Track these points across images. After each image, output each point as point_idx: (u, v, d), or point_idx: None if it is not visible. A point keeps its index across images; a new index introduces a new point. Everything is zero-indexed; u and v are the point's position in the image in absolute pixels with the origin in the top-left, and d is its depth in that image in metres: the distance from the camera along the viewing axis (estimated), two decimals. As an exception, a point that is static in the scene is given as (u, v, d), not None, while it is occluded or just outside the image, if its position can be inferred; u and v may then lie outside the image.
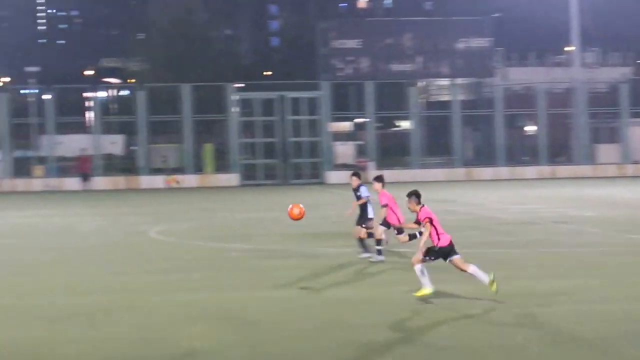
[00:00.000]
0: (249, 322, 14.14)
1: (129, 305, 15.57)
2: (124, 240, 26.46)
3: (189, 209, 38.74)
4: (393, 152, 67.55)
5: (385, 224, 20.13)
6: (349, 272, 19.01)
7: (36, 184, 58.85)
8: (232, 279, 18.58)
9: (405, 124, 72.11)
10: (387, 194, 20.25)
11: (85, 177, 57.62)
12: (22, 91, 71.99)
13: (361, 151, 65.48)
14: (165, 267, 20.35)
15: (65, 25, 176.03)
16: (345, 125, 74.29)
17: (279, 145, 62.39)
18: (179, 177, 59.36)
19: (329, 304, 15.46)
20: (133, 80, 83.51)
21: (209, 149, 62.48)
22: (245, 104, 63.51)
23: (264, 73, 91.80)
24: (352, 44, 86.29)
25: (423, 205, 15.50)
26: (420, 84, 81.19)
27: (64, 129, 64.30)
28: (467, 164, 65.30)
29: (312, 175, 61.82)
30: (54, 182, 58.66)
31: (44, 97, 63.44)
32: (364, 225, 20.67)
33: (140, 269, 20.29)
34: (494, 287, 15.08)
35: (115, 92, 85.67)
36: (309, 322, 14.09)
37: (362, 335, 12.90)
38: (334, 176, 59.76)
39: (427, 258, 15.32)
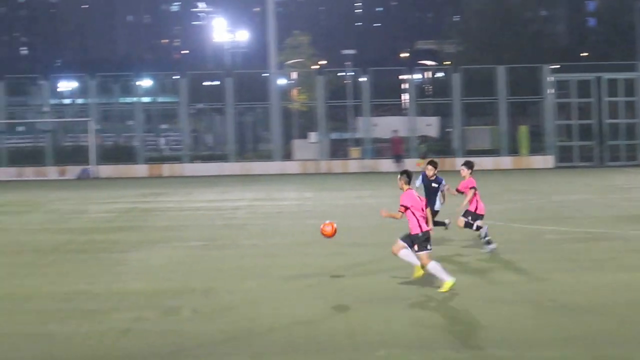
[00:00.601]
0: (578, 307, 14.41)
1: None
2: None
3: (504, 191, 38.96)
4: None
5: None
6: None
7: (352, 165, 60.77)
8: (550, 262, 18.84)
9: None
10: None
11: (398, 158, 58.81)
12: (338, 74, 74.18)
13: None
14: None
15: (381, 9, 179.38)
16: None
17: (595, 127, 61.30)
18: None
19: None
20: (448, 63, 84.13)
21: (523, 130, 62.26)
22: (561, 86, 62.74)
23: (581, 54, 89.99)
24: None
25: (410, 188, 15.87)
26: None
27: (378, 110, 65.96)
28: None
29: (629, 158, 60.38)
30: (369, 164, 60.36)
31: (360, 79, 65.10)
32: None
33: (462, 249, 20.91)
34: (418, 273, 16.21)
35: (430, 74, 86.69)
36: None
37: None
38: (655, 158, 58.26)
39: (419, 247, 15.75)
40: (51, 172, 60.34)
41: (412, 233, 15.79)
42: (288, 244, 22.87)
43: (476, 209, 20.39)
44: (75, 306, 15.12)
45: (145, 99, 68.11)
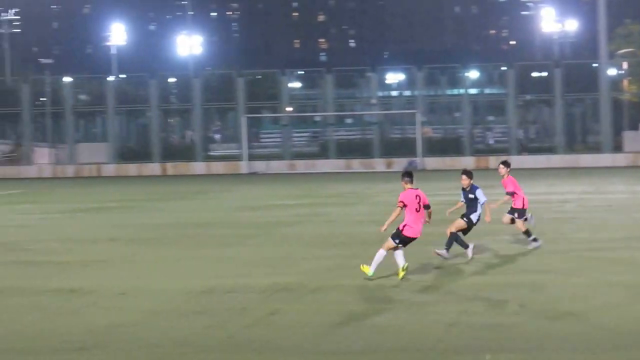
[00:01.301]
0: None
1: None
2: None
3: None
4: None
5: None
6: None
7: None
8: None
9: None
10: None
11: None
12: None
13: None
14: None
15: None
16: None
17: None
18: None
19: None
20: None
21: None
22: None
23: None
24: None
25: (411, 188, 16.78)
26: None
27: None
28: None
29: None
30: None
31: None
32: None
33: None
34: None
35: None
36: None
37: None
38: None
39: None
40: (378, 164, 61.50)
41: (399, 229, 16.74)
42: (618, 238, 22.02)
43: (523, 205, 20.38)
44: (402, 297, 15.20)
45: (473, 91, 68.03)
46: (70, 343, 12.39)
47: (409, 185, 16.93)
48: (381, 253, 16.74)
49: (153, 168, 63.52)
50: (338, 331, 12.88)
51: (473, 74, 71.89)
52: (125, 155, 66.24)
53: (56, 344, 12.44)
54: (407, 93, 73.39)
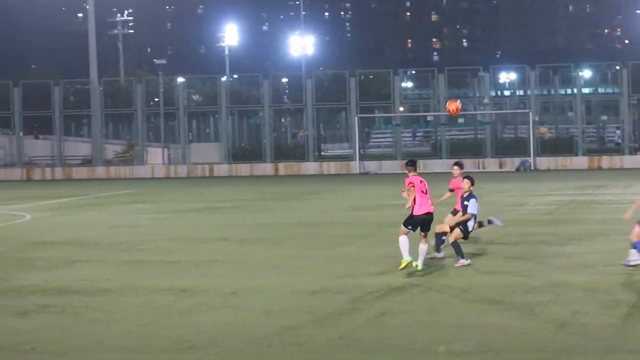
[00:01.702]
0: None
1: None
2: None
3: None
4: None
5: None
6: None
7: None
8: None
9: None
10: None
11: None
12: None
13: None
14: None
15: None
16: None
17: None
18: None
19: None
20: None
21: None
22: None
23: None
24: None
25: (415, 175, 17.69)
26: None
27: None
28: None
29: None
30: None
31: None
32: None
33: None
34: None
35: None
36: None
37: None
38: None
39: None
40: (490, 163, 61.00)
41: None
42: None
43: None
44: (512, 298, 15.05)
45: (586, 90, 66.98)
46: (181, 342, 12.57)
47: (412, 173, 17.82)
48: (401, 240, 17.54)
49: (265, 168, 64.06)
50: (448, 331, 12.82)
51: (586, 73, 70.79)
52: (238, 155, 66.93)
53: (166, 343, 12.63)
54: (519, 92, 72.62)
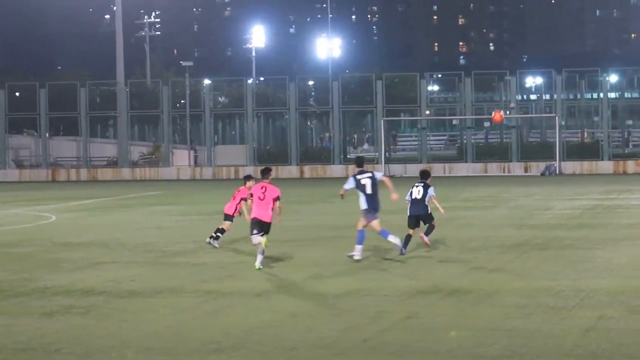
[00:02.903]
0: None
1: None
2: None
3: None
4: None
5: None
6: None
7: None
8: None
9: None
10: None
11: None
12: None
13: None
14: None
15: None
16: None
17: None
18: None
19: None
20: None
21: None
22: None
23: None
24: None
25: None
26: None
27: None
28: None
29: None
30: None
31: None
32: None
33: None
34: None
35: None
36: None
37: None
38: None
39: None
40: (515, 168, 60.84)
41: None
42: None
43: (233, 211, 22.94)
44: (538, 302, 15.00)
45: (612, 95, 66.69)
46: (207, 344, 12.60)
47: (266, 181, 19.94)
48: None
49: (290, 170, 64.10)
50: (474, 335, 12.79)
51: (613, 78, 70.47)
52: (263, 157, 67.00)
53: (192, 345, 12.66)
54: (545, 97, 72.38)
